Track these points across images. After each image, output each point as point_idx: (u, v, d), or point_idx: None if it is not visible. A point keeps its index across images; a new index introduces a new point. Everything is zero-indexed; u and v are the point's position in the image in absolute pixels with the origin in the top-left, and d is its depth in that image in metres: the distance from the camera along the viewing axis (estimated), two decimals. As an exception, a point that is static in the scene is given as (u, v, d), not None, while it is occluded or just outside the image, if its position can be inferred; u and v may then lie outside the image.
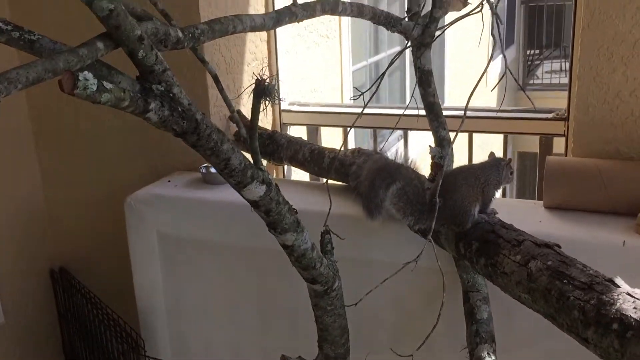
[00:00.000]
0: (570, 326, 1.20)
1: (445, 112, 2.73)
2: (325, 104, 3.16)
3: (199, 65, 2.46)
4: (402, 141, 3.18)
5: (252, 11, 2.68)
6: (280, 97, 1.11)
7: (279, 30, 2.85)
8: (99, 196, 2.74)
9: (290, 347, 1.94)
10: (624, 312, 1.10)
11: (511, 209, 2.07)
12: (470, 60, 6.83)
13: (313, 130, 3.06)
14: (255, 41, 2.73)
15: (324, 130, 3.51)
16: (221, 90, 1.24)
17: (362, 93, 1.55)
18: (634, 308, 1.10)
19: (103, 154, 2.69)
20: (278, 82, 1.11)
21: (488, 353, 1.72)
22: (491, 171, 1.59)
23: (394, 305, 2.09)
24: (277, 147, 2.44)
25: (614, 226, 1.83)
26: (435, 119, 1.95)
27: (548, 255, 1.32)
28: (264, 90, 1.13)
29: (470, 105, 2.81)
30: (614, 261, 1.75)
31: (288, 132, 3.03)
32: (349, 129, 3.10)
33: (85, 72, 0.89)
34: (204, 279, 2.30)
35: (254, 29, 1.37)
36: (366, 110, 3.06)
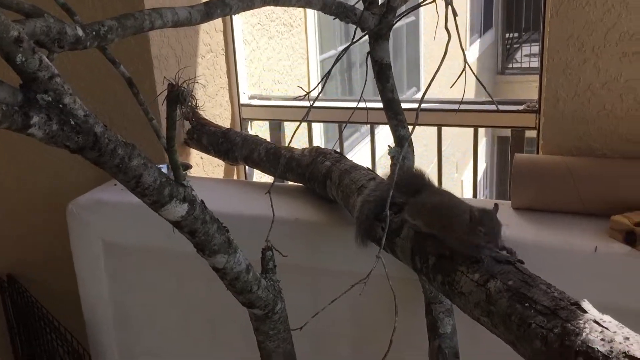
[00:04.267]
0: (532, 357, 1.07)
1: (414, 105, 2.61)
2: (288, 97, 3.01)
3: (146, 58, 2.31)
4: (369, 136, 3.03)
5: None
6: (198, 105, 0.95)
7: (235, 19, 2.68)
8: (43, 200, 2.57)
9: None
10: (590, 344, 0.97)
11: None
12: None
13: (276, 126, 2.91)
14: (210, 32, 2.56)
15: (293, 125, 3.35)
16: (136, 94, 1.08)
17: (308, 93, 1.40)
18: (602, 339, 0.97)
19: (47, 155, 2.51)
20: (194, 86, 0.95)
21: (451, 370, 1.60)
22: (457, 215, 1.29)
23: (355, 317, 1.96)
24: (231, 145, 2.29)
25: (585, 229, 1.71)
26: (394, 116, 1.80)
27: (509, 273, 1.19)
28: (178, 97, 0.97)
29: (440, 97, 2.68)
30: (584, 269, 1.63)
31: (249, 129, 2.87)
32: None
33: None
34: (153, 289, 2.15)
35: (178, 24, 1.21)
36: (331, 104, 2.94)
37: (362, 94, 1.44)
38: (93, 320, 2.22)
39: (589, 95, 1.83)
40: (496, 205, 1.29)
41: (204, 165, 2.60)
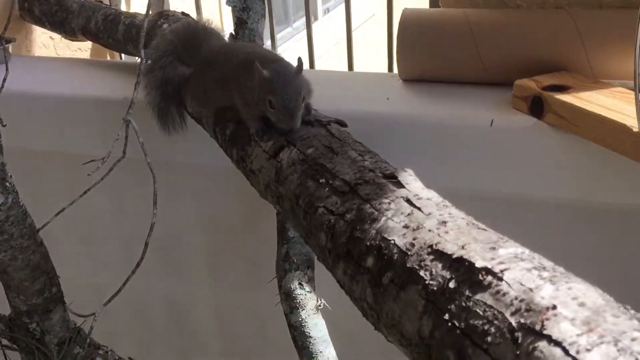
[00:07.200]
0: (323, 259, 0.68)
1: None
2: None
3: None
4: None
5: None
6: None
7: None
8: None
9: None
10: (386, 235, 0.58)
11: (355, 84, 1.52)
12: None
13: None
14: None
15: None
16: None
17: None
18: (405, 226, 0.57)
19: None
20: None
21: (300, 284, 1.24)
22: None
23: (204, 223, 1.57)
24: (67, 14, 1.81)
25: (485, 101, 1.30)
26: (235, -49, 1.34)
27: (314, 138, 0.78)
28: None
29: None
30: (477, 148, 1.24)
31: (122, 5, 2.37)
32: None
33: None
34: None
35: None
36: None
37: None
38: None
39: None
40: (300, 61, 0.86)
41: (56, 47, 2.13)
